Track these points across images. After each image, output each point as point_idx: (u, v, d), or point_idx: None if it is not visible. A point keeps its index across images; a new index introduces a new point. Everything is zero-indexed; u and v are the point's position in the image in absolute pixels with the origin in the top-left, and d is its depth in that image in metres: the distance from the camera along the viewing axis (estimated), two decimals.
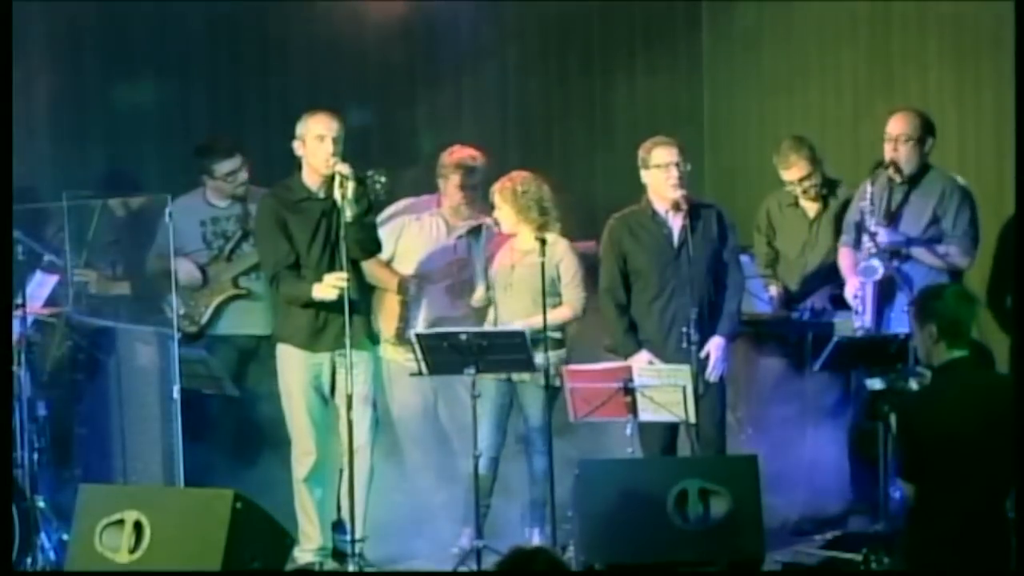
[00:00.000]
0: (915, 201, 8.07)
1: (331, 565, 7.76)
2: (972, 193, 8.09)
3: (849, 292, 8.05)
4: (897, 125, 8.05)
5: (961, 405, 5.82)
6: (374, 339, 7.87)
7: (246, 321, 8.42)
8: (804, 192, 8.60)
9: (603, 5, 10.19)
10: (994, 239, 8.53)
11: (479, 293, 8.15)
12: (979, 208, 8.08)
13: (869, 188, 7.99)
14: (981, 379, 5.99)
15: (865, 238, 7.93)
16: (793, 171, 8.57)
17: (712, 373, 7.68)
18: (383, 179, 7.65)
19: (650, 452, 7.69)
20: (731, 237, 7.87)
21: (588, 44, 10.19)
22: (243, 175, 8.48)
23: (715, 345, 7.70)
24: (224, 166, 8.47)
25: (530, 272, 7.88)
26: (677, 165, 7.72)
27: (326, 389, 7.76)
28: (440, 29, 9.69)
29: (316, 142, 7.64)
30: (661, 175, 7.73)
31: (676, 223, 7.75)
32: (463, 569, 7.61)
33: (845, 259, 8.22)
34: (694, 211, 7.74)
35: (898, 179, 8.04)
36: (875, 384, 7.19)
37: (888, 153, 8.03)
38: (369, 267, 8.06)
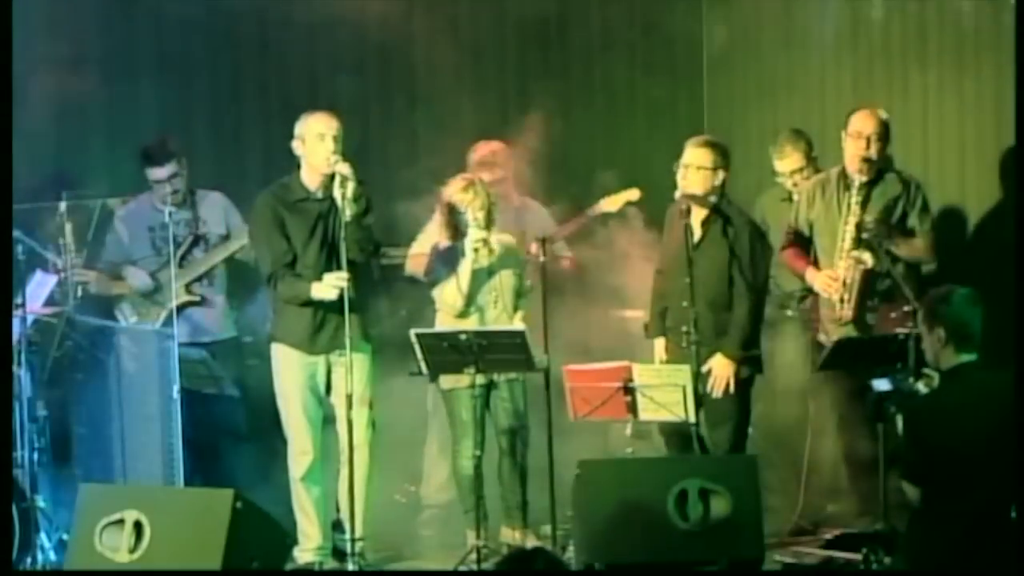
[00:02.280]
0: (879, 197, 8.05)
1: (331, 564, 7.77)
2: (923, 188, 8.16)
3: (820, 283, 8.00)
4: (868, 123, 8.02)
5: (969, 409, 5.83)
6: (369, 340, 7.85)
7: (201, 327, 8.35)
8: (794, 185, 8.63)
9: (604, 4, 10.18)
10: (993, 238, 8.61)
11: (458, 300, 7.89)
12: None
13: (857, 180, 7.96)
14: (990, 382, 5.96)
15: (863, 232, 7.90)
16: (786, 162, 8.61)
17: (712, 391, 7.62)
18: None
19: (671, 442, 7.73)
20: (745, 252, 7.70)
21: (588, 43, 10.17)
22: (175, 183, 8.30)
23: (714, 363, 7.64)
24: (155, 173, 8.33)
25: (510, 273, 7.92)
26: (687, 167, 7.72)
27: (321, 389, 7.77)
28: (440, 25, 9.64)
29: (316, 141, 7.63)
30: (678, 175, 7.78)
31: (699, 226, 7.75)
32: (463, 569, 7.61)
33: (794, 259, 8.16)
34: (716, 216, 7.72)
35: (866, 177, 8.01)
36: (881, 385, 7.19)
37: (858, 150, 7.98)
38: (410, 260, 8.23)
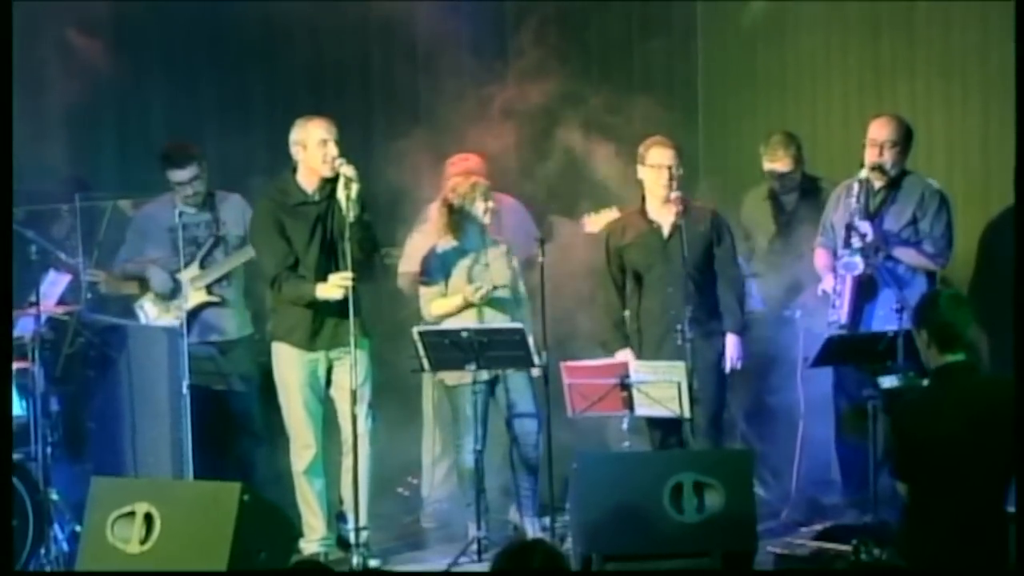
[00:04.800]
0: (894, 203, 8.17)
1: (336, 554, 7.86)
2: (948, 197, 8.22)
3: (824, 286, 8.19)
4: (882, 131, 8.15)
5: (953, 408, 5.87)
6: (370, 336, 7.93)
7: (218, 327, 8.40)
8: (780, 187, 8.76)
9: (600, 3, 10.23)
10: (980, 241, 8.73)
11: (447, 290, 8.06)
12: (954, 212, 8.21)
13: (856, 186, 8.10)
14: (975, 382, 6.01)
15: (853, 235, 8.03)
16: (776, 164, 8.73)
17: (726, 367, 7.89)
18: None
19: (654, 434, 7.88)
20: (726, 237, 8.00)
21: (585, 41, 10.22)
22: (196, 185, 8.29)
23: (727, 341, 7.90)
24: (176, 175, 8.31)
25: (501, 274, 8.06)
26: (670, 168, 7.90)
27: (322, 385, 7.87)
28: (440, 25, 9.67)
29: (319, 146, 7.71)
30: (654, 174, 7.92)
31: (667, 220, 7.92)
32: (463, 560, 7.74)
33: (820, 259, 8.33)
34: (686, 210, 7.89)
35: (881, 183, 8.16)
36: (886, 382, 7.30)
37: (872, 157, 8.12)
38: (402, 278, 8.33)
